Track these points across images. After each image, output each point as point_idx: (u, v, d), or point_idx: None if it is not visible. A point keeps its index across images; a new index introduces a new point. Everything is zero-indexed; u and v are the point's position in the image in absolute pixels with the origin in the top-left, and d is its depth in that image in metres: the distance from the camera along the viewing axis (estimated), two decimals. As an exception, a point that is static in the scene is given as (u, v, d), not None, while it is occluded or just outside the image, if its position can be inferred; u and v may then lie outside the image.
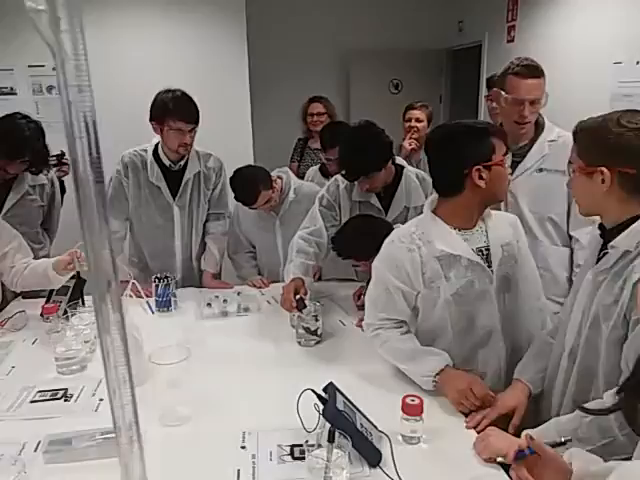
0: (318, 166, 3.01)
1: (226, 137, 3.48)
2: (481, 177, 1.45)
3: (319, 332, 1.89)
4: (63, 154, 2.70)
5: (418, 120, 3.35)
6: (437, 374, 1.49)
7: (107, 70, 3.72)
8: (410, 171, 2.22)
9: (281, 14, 4.82)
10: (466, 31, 5.04)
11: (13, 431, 1.41)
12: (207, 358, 1.73)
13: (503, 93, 1.97)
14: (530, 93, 1.92)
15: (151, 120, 2.28)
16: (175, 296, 2.24)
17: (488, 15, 4.58)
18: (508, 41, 4.28)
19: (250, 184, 2.29)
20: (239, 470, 1.24)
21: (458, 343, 1.57)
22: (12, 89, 3.72)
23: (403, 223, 1.79)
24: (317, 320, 1.88)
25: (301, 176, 3.02)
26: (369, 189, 2.12)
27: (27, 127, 2.24)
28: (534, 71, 1.94)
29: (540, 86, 1.94)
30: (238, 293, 2.35)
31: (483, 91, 4.62)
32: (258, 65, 4.14)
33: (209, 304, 2.21)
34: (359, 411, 1.34)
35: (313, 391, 1.30)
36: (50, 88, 3.75)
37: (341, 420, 1.21)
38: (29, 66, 3.69)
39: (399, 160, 2.25)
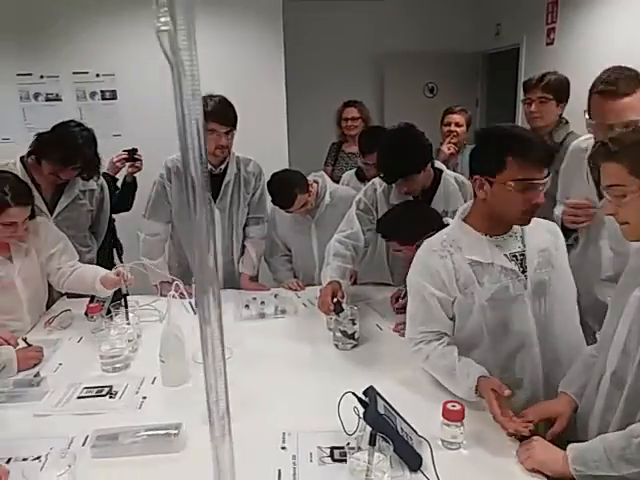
0: (354, 170, 3.02)
1: (262, 141, 3.51)
2: (481, 188, 1.46)
3: (356, 336, 1.90)
4: (135, 150, 2.78)
5: (457, 124, 3.30)
6: (475, 386, 1.46)
7: (146, 73, 3.83)
8: (449, 175, 2.22)
9: (317, 18, 4.85)
10: (503, 34, 4.98)
11: (62, 426, 1.46)
12: (246, 359, 1.75)
13: (586, 117, 1.77)
14: (619, 116, 1.65)
15: None
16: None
17: (526, 17, 4.52)
18: (547, 44, 4.21)
19: (287, 188, 2.33)
20: (280, 470, 1.26)
21: (494, 350, 1.56)
22: (57, 95, 3.85)
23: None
24: (354, 324, 1.89)
25: (335, 180, 3.03)
26: (407, 192, 2.11)
27: (80, 135, 2.31)
28: (625, 87, 1.66)
29: (633, 105, 1.65)
30: (275, 295, 2.38)
31: (520, 95, 4.56)
32: (294, 70, 4.17)
33: (247, 306, 2.25)
34: (399, 415, 1.34)
35: (354, 394, 1.30)
36: (93, 94, 3.86)
37: (382, 424, 1.22)
38: (74, 73, 3.82)
39: (438, 164, 2.25)
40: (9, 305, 2.04)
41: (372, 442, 1.13)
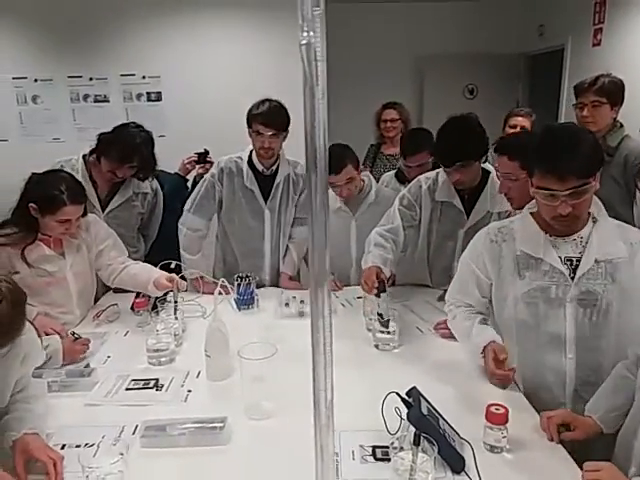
0: (394, 172, 3.01)
1: (300, 142, 3.55)
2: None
3: (396, 336, 1.90)
4: (207, 153, 2.87)
5: (522, 128, 3.20)
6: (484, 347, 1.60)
7: (190, 75, 3.92)
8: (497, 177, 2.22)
9: (357, 19, 4.87)
10: (547, 35, 4.89)
11: (111, 415, 1.52)
12: (286, 356, 1.77)
13: None
14: None
15: (247, 126, 2.41)
16: (256, 295, 2.33)
17: (572, 18, 4.42)
18: (594, 45, 4.11)
19: (339, 153, 2.37)
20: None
21: (521, 345, 1.59)
22: (105, 97, 3.98)
23: None
24: (392, 323, 1.89)
25: (373, 182, 3.05)
26: (458, 181, 2.11)
27: (139, 135, 2.41)
28: None
29: None
30: (314, 295, 2.39)
31: (564, 98, 4.46)
32: (334, 71, 4.18)
33: (287, 304, 2.27)
34: (441, 417, 1.34)
35: (398, 394, 1.31)
36: (139, 96, 3.97)
37: (426, 424, 1.22)
38: (121, 75, 3.94)
39: (487, 165, 2.25)
40: (61, 299, 2.12)
41: (416, 442, 1.13)
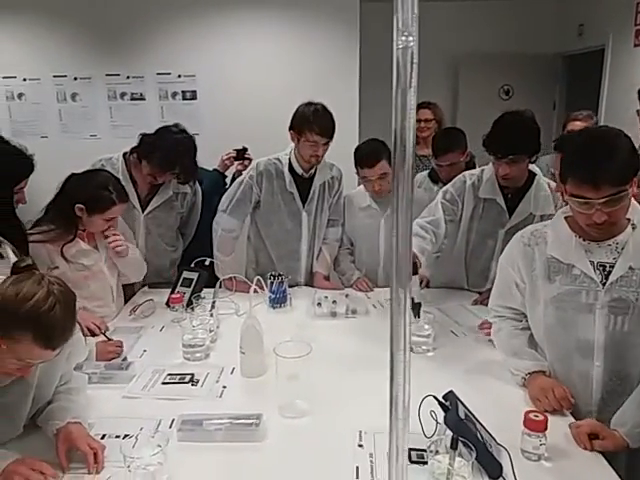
0: (427, 172, 2.99)
1: (332, 145, 3.56)
2: (563, 195, 1.44)
3: (430, 339, 1.89)
4: (245, 150, 2.89)
5: None
6: (529, 373, 1.58)
7: (224, 75, 3.96)
8: (543, 180, 2.21)
9: (391, 18, 4.84)
10: (586, 35, 4.77)
11: (148, 408, 1.55)
12: (320, 355, 1.77)
13: None
14: None
15: (290, 129, 2.39)
16: (289, 293, 2.34)
17: (612, 17, 4.31)
18: (636, 45, 4.00)
19: (375, 148, 2.40)
20: (358, 467, 1.28)
21: (550, 349, 1.57)
22: (141, 95, 4.05)
23: None
24: (427, 324, 1.88)
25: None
26: (506, 176, 2.09)
27: (181, 142, 2.39)
28: None
29: None
30: (346, 295, 2.40)
31: (604, 100, 4.36)
32: (368, 69, 4.17)
33: (319, 304, 2.28)
34: (478, 421, 1.33)
35: (435, 397, 1.30)
36: (174, 94, 4.03)
37: (463, 428, 1.21)
38: (157, 74, 4.00)
39: (533, 167, 2.23)
40: (99, 292, 2.17)
41: (454, 446, 1.13)
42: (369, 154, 2.40)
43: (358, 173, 2.48)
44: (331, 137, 2.37)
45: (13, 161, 1.88)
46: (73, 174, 2.13)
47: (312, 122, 2.31)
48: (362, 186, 2.60)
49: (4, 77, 4.03)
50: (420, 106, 3.58)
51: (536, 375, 1.56)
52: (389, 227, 2.37)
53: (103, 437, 1.39)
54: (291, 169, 2.49)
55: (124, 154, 2.50)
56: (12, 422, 1.36)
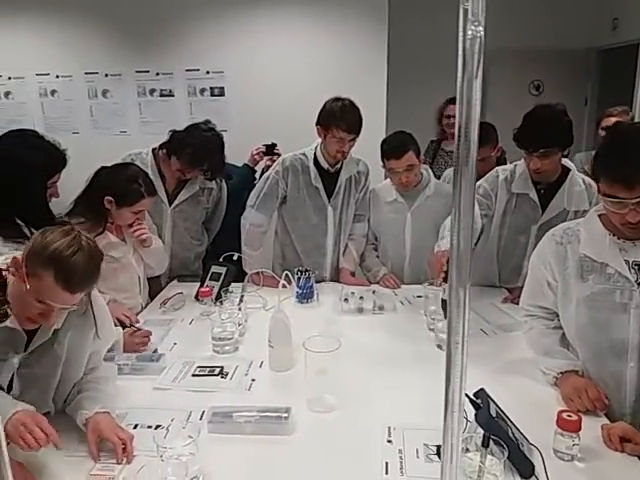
0: (456, 167, 2.96)
1: (360, 139, 3.55)
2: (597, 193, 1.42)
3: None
4: (274, 145, 2.93)
5: None
6: (561, 373, 1.55)
7: (252, 71, 3.97)
8: (578, 175, 2.17)
9: (419, 12, 4.79)
10: (621, 29, 4.66)
11: (179, 400, 1.57)
12: (347, 351, 1.77)
13: None
14: None
15: (317, 124, 2.40)
16: (316, 289, 2.35)
17: (649, 11, 4.20)
18: (673, 38, 3.89)
19: (403, 139, 2.40)
20: (387, 463, 1.27)
21: (582, 349, 1.55)
22: (170, 91, 4.09)
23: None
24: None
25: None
26: (538, 170, 2.06)
27: (210, 140, 2.43)
28: None
29: None
30: (373, 292, 2.40)
31: (639, 95, 4.25)
32: (396, 65, 4.14)
33: (346, 300, 2.28)
34: (509, 420, 1.31)
35: (466, 395, 1.28)
36: (202, 91, 4.05)
37: (495, 426, 1.20)
38: (186, 70, 4.03)
39: (567, 162, 2.19)
40: (127, 284, 2.21)
41: (485, 444, 1.11)
42: (396, 145, 2.39)
43: (385, 166, 2.47)
44: (358, 133, 2.37)
45: (47, 155, 1.91)
46: (103, 167, 2.17)
47: (339, 118, 2.31)
48: (388, 180, 2.59)
49: (37, 74, 4.12)
50: (450, 101, 3.55)
51: (568, 375, 1.54)
52: (416, 221, 2.38)
53: (135, 427, 1.41)
54: (317, 164, 2.50)
55: (153, 149, 2.54)
56: (41, 394, 1.40)
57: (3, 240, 1.70)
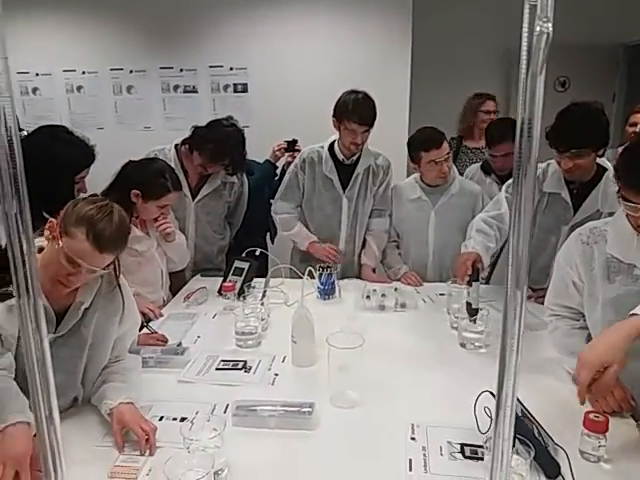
0: (480, 164, 2.94)
1: (382, 131, 3.53)
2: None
3: (484, 335, 1.85)
4: (295, 142, 2.96)
5: None
6: None
7: (275, 68, 3.98)
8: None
9: (443, 8, 4.74)
10: (650, 23, 4.56)
11: (203, 393, 1.58)
12: (369, 348, 1.77)
13: None
14: None
15: (333, 117, 2.45)
16: (338, 285, 2.35)
17: (680, 5, 4.09)
18: None
19: (435, 131, 2.42)
20: (411, 460, 1.27)
21: None
22: (194, 87, 4.12)
23: None
24: (480, 320, 1.85)
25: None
26: (570, 170, 2.00)
27: (232, 135, 2.47)
28: None
29: None
30: (395, 289, 2.39)
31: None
32: (420, 61, 4.11)
33: (368, 297, 2.28)
34: (535, 420, 1.30)
35: (492, 393, 1.28)
36: (226, 87, 4.08)
37: (520, 426, 1.18)
38: (210, 66, 4.06)
39: (604, 162, 2.13)
40: (151, 277, 2.24)
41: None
42: (434, 135, 2.40)
43: (415, 161, 2.45)
44: (371, 125, 2.39)
45: (77, 151, 1.95)
46: (130, 161, 2.20)
47: (350, 111, 2.35)
48: (412, 177, 2.59)
49: (64, 70, 4.18)
50: (487, 97, 3.54)
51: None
52: (440, 220, 2.37)
53: (161, 419, 1.43)
54: (333, 155, 2.53)
55: (175, 145, 2.58)
56: (70, 378, 1.43)
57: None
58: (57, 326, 1.40)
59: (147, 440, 1.30)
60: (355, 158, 2.54)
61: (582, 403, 1.29)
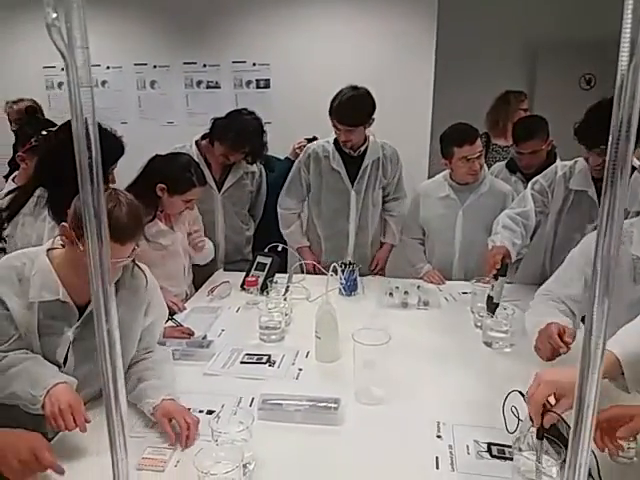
0: (505, 162, 2.90)
1: (405, 127, 3.50)
2: None
3: (509, 334, 1.84)
4: (316, 138, 2.95)
5: None
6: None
7: (297, 64, 3.98)
8: None
9: (471, 7, 4.70)
10: (680, 20, 4.45)
11: (228, 386, 1.59)
12: (393, 345, 1.77)
13: None
14: None
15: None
16: (361, 282, 2.36)
17: None
18: None
19: (467, 126, 2.41)
20: (437, 457, 1.27)
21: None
22: (217, 83, 4.14)
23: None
24: (504, 320, 1.83)
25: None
26: (598, 167, 1.97)
27: (251, 124, 2.52)
28: None
29: None
30: (418, 287, 2.38)
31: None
32: (443, 57, 4.08)
33: (390, 294, 2.27)
34: (564, 420, 1.29)
35: (521, 393, 1.27)
36: (248, 83, 4.09)
37: (550, 427, 1.17)
38: (233, 62, 4.07)
39: (633, 160, 2.10)
40: (174, 271, 2.26)
41: (539, 436, 1.10)
42: (467, 131, 2.38)
43: (447, 157, 2.42)
44: (357, 125, 2.39)
45: (107, 144, 1.96)
46: (157, 155, 2.22)
47: (334, 110, 2.39)
48: (441, 175, 2.56)
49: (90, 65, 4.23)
50: (524, 95, 3.49)
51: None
52: (467, 219, 2.34)
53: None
54: (340, 148, 2.54)
55: (196, 141, 2.62)
56: (96, 368, 1.43)
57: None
58: (79, 319, 1.41)
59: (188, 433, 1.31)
60: (362, 150, 2.54)
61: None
